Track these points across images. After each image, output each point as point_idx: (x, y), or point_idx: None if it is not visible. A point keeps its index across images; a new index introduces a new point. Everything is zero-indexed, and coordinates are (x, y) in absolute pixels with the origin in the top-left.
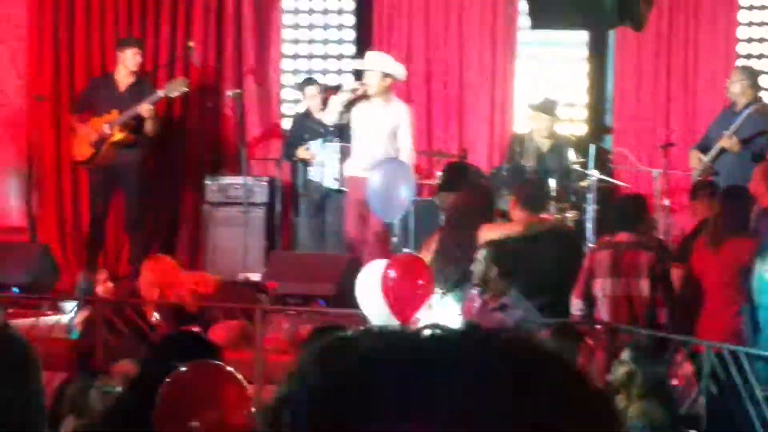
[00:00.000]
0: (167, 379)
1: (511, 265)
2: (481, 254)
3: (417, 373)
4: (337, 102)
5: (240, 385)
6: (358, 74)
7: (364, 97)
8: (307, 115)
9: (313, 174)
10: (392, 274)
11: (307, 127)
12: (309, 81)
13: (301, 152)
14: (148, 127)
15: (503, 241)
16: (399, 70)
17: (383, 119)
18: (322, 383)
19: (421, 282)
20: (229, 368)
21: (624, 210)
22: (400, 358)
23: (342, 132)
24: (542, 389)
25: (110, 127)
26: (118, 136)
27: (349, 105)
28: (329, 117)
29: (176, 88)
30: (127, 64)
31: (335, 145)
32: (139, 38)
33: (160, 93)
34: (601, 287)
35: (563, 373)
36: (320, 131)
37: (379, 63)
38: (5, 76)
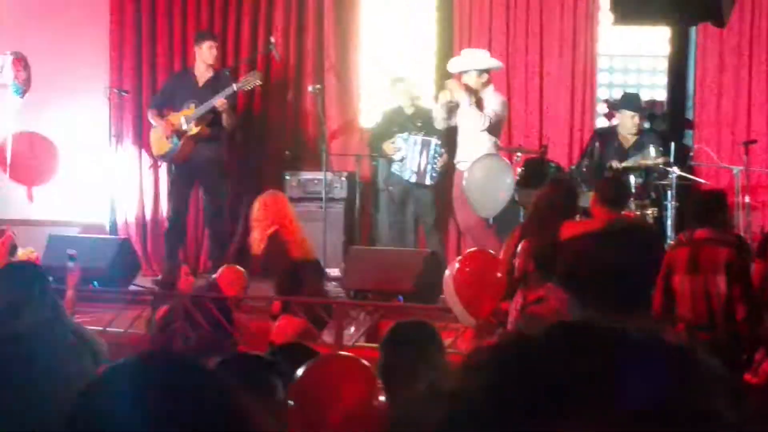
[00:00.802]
0: (300, 372)
1: (585, 262)
2: (519, 248)
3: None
4: (438, 113)
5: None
6: (442, 68)
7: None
8: (398, 111)
9: (395, 168)
10: (465, 269)
11: (396, 122)
12: (399, 78)
13: (386, 146)
14: (225, 121)
15: (579, 238)
16: (494, 64)
17: (474, 111)
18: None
19: (493, 277)
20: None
21: (702, 206)
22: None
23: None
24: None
25: (187, 121)
26: (194, 130)
27: (452, 110)
28: (439, 125)
29: (250, 82)
30: (204, 58)
31: (417, 138)
32: (215, 32)
33: (234, 87)
34: (680, 284)
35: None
36: (408, 126)
37: (474, 62)
38: (88, 70)
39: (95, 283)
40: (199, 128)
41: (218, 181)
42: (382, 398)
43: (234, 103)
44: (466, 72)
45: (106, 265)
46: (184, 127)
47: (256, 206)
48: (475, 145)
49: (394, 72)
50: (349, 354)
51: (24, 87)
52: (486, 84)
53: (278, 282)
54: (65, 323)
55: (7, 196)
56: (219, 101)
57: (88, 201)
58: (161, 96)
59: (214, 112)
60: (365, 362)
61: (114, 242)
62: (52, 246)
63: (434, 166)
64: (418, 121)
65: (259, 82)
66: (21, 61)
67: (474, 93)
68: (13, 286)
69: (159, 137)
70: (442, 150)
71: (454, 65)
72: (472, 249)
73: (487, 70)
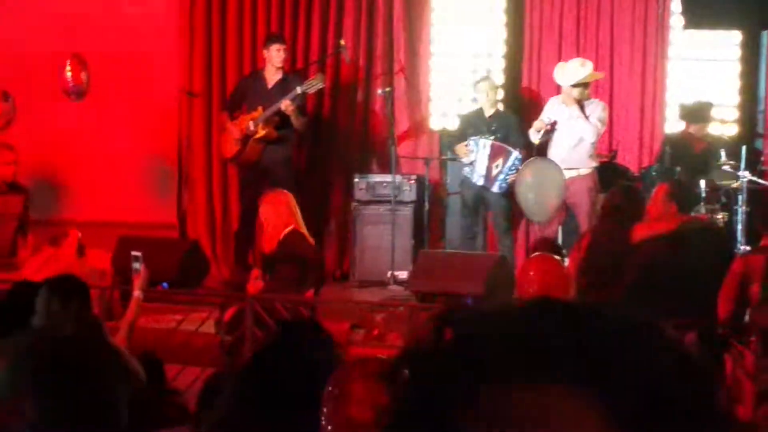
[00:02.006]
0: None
1: (660, 263)
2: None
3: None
4: (534, 137)
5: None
6: (510, 72)
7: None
8: (478, 113)
9: (466, 171)
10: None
11: (473, 124)
12: (485, 78)
13: (459, 147)
14: (294, 123)
15: (653, 240)
16: (599, 77)
17: (582, 127)
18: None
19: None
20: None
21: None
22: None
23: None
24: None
25: (254, 123)
26: (261, 132)
27: (547, 134)
28: (533, 137)
29: (314, 85)
30: (273, 60)
31: (487, 142)
32: (285, 35)
33: (299, 89)
34: (757, 292)
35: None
36: (483, 130)
37: (575, 75)
38: (158, 72)
39: (165, 284)
40: (265, 131)
41: (287, 184)
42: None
43: (302, 105)
44: (574, 84)
45: (175, 266)
46: (252, 129)
47: (267, 206)
48: (573, 153)
49: (466, 77)
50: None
51: (82, 89)
52: (587, 96)
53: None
54: (102, 342)
55: (77, 198)
56: (284, 103)
57: (158, 202)
58: (232, 99)
59: (282, 115)
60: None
61: (184, 244)
62: (122, 247)
63: (507, 176)
64: (494, 125)
65: (322, 85)
66: (80, 64)
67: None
68: (52, 300)
69: (228, 140)
70: (520, 164)
71: (568, 79)
72: (537, 254)
73: (586, 84)
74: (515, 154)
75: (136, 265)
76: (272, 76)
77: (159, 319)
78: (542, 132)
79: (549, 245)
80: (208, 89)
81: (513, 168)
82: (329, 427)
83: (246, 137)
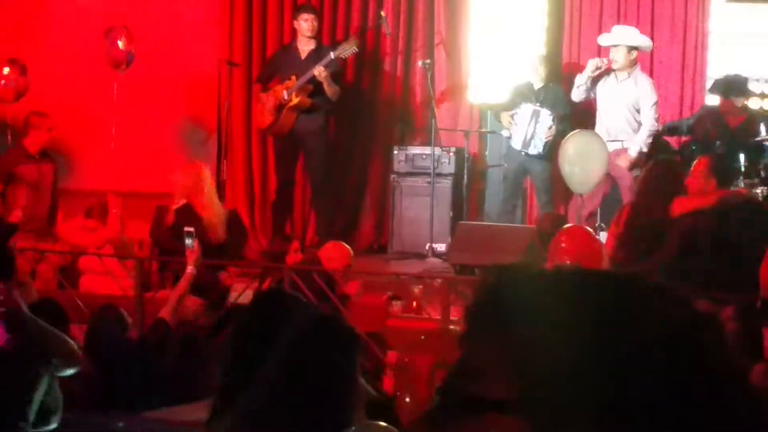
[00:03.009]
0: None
1: (704, 236)
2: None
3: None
4: (582, 78)
5: None
6: (551, 48)
7: (609, 71)
8: (528, 85)
9: (509, 141)
10: (562, 245)
11: (523, 94)
12: (542, 55)
13: (504, 116)
14: (327, 90)
15: (695, 214)
16: (645, 42)
17: (627, 93)
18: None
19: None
20: None
21: None
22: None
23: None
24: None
25: (288, 92)
26: (295, 100)
27: (595, 80)
28: (576, 94)
29: (347, 50)
30: (302, 30)
31: (530, 106)
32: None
33: (332, 55)
34: None
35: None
36: (532, 100)
37: (625, 37)
38: (198, 42)
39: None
40: (299, 98)
41: (320, 153)
42: None
43: (336, 72)
44: (615, 47)
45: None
46: (286, 98)
47: (176, 175)
48: (615, 120)
49: (508, 51)
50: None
51: (129, 60)
52: (634, 63)
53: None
54: None
55: (114, 168)
56: (318, 69)
57: None
58: (266, 70)
59: (315, 83)
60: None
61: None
62: (159, 217)
63: (541, 136)
64: (541, 96)
65: (355, 49)
66: (127, 35)
67: (626, 69)
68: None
69: (262, 111)
70: (552, 123)
71: (604, 39)
72: (569, 225)
73: (636, 48)
74: (544, 111)
75: (189, 241)
76: (304, 46)
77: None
78: (589, 83)
79: (555, 219)
80: (248, 59)
81: (545, 126)
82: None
83: (280, 106)
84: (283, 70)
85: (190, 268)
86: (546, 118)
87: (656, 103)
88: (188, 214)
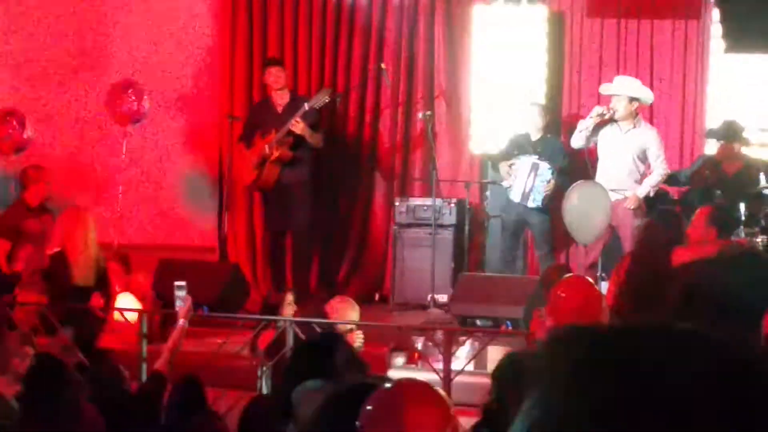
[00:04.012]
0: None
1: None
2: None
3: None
4: (584, 123)
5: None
6: (551, 96)
7: (611, 120)
8: (525, 136)
9: (508, 192)
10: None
11: (519, 145)
12: (536, 103)
13: (503, 166)
14: (310, 140)
15: (696, 264)
16: (646, 95)
17: (630, 142)
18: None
19: (587, 302)
20: (437, 388)
21: None
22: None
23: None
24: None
25: (269, 146)
26: (275, 154)
27: (596, 129)
28: (576, 139)
29: (320, 99)
30: (270, 84)
31: (529, 159)
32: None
33: (306, 105)
34: None
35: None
36: (528, 151)
37: (626, 88)
38: (198, 95)
39: (205, 308)
40: (279, 152)
41: (305, 205)
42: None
43: (314, 122)
44: (616, 96)
45: (216, 291)
46: (267, 152)
47: (59, 220)
48: (618, 171)
49: (508, 101)
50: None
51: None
52: (635, 114)
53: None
54: None
55: (118, 221)
56: (293, 122)
57: (198, 225)
58: (246, 128)
59: (295, 135)
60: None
61: (224, 268)
62: (162, 271)
63: (540, 189)
64: (539, 147)
65: (327, 99)
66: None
67: (625, 120)
68: None
69: (246, 167)
70: (551, 176)
71: (605, 89)
72: (569, 275)
73: (637, 99)
74: (544, 164)
75: (181, 294)
76: (279, 99)
77: (200, 343)
78: (591, 131)
79: (560, 271)
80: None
81: (544, 180)
82: None
83: (263, 161)
84: (263, 126)
85: (182, 321)
86: (545, 171)
87: (663, 151)
88: (60, 258)
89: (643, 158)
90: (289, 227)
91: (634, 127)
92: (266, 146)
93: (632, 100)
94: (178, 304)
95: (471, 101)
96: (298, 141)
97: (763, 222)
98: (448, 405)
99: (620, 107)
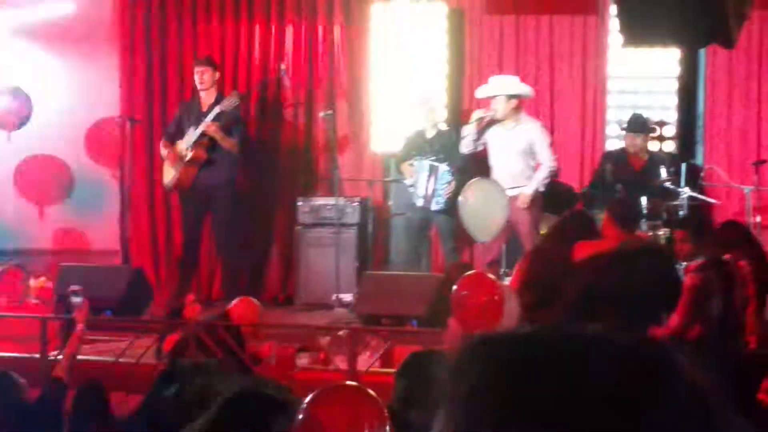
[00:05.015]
0: (306, 402)
1: (598, 283)
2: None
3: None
4: (467, 130)
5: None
6: (452, 93)
7: (494, 121)
8: (420, 134)
9: (412, 192)
10: (463, 292)
11: (416, 144)
12: (426, 99)
13: (405, 166)
14: (222, 144)
15: (592, 259)
16: (523, 90)
17: (515, 140)
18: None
19: (491, 299)
20: (369, 390)
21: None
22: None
23: (451, 155)
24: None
25: (186, 147)
26: (189, 156)
27: (481, 132)
28: (464, 146)
29: (232, 102)
30: (196, 83)
31: (425, 163)
32: (226, 59)
33: (217, 109)
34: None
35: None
36: (425, 150)
37: (502, 87)
38: (97, 99)
39: (108, 312)
40: (193, 153)
41: (227, 207)
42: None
43: (228, 126)
44: (494, 98)
45: (118, 294)
46: (183, 153)
47: None
48: (510, 169)
49: (408, 99)
50: (357, 384)
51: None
52: (516, 110)
53: None
54: None
55: (20, 226)
56: (206, 125)
57: (101, 229)
58: (172, 125)
59: (211, 137)
60: (372, 393)
61: (127, 271)
62: (65, 276)
63: (441, 192)
64: (436, 145)
65: (237, 102)
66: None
67: (506, 119)
68: None
69: (166, 166)
70: (451, 177)
71: (481, 92)
72: (471, 272)
73: (516, 96)
74: (442, 167)
75: (77, 300)
76: (206, 99)
77: (103, 347)
78: (476, 135)
79: (463, 268)
80: (149, 115)
81: (444, 182)
82: None
83: (179, 162)
84: (187, 123)
85: (79, 326)
86: (444, 174)
87: (551, 143)
88: None
89: (532, 153)
90: (211, 230)
91: (517, 123)
92: (184, 146)
93: (511, 97)
94: (76, 302)
95: (372, 100)
96: (214, 143)
97: (665, 216)
98: (383, 408)
99: (499, 107)
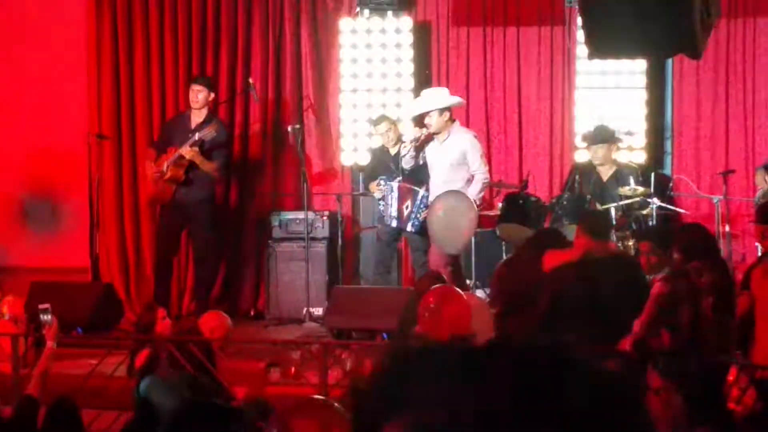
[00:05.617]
0: (275, 416)
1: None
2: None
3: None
4: (405, 152)
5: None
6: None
7: (430, 137)
8: (383, 149)
9: (381, 208)
10: (429, 305)
11: (381, 161)
12: (382, 118)
13: (372, 186)
14: (202, 167)
15: (559, 268)
16: (455, 101)
17: (448, 152)
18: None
19: (456, 311)
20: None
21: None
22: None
23: (414, 172)
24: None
25: (166, 165)
26: (168, 174)
27: (420, 148)
28: (405, 163)
29: (208, 133)
30: (190, 100)
31: (394, 185)
32: (205, 76)
33: (196, 136)
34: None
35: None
36: (392, 167)
37: (433, 101)
38: (65, 115)
39: (79, 329)
40: (171, 172)
41: (205, 224)
42: None
43: (209, 151)
44: (427, 114)
45: (89, 311)
46: (163, 170)
47: None
48: (444, 179)
49: (376, 112)
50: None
51: None
52: (449, 122)
53: None
54: None
55: None
56: (184, 149)
57: (70, 246)
58: (159, 139)
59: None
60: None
61: (97, 288)
62: (35, 293)
63: (418, 214)
64: (399, 161)
65: (214, 134)
66: None
67: (440, 132)
68: None
69: (148, 180)
70: (426, 200)
71: (413, 109)
72: (438, 285)
73: (448, 108)
74: (421, 192)
75: (46, 317)
76: (196, 117)
77: (74, 364)
78: (414, 152)
79: (434, 281)
80: (117, 132)
81: (422, 205)
82: None
83: (159, 178)
84: (174, 139)
85: (50, 344)
86: (421, 197)
87: (483, 154)
88: None
89: (466, 164)
90: (190, 244)
91: (449, 135)
92: (165, 163)
93: (443, 111)
94: (46, 319)
95: (340, 113)
96: (193, 164)
97: (633, 226)
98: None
99: (433, 122)
